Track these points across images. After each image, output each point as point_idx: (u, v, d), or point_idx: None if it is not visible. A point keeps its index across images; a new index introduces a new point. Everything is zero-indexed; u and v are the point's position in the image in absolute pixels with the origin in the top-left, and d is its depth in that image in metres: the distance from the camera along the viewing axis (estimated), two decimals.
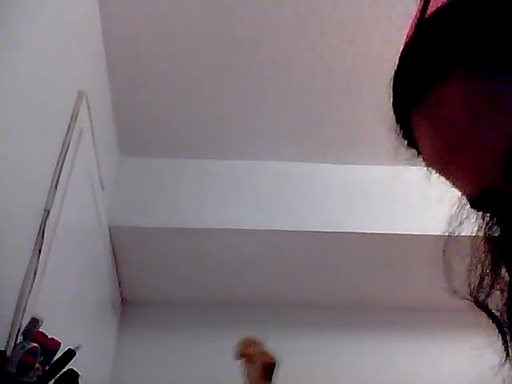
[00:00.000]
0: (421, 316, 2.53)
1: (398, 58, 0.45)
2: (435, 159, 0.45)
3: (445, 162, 0.43)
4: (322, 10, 1.90)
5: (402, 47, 0.45)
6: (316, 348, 2.50)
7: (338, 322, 2.56)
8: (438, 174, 0.46)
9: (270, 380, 1.55)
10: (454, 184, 0.44)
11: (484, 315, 0.49)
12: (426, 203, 2.26)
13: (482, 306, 0.49)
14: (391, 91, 0.47)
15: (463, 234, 0.50)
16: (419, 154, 0.47)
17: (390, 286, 2.50)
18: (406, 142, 0.48)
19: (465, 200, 0.46)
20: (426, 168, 0.47)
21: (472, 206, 0.44)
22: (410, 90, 0.44)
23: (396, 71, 0.46)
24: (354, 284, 2.50)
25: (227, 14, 1.92)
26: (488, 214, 0.47)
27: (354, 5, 1.88)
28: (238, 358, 1.58)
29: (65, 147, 1.55)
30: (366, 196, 2.34)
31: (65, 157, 1.53)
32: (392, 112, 0.48)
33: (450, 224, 0.50)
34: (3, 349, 1.17)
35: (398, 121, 0.48)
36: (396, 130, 0.49)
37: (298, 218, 2.27)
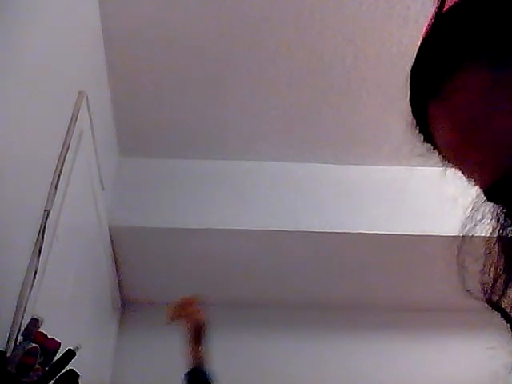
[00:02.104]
0: (421, 316, 2.53)
1: (415, 53, 0.46)
2: (452, 150, 0.45)
3: (461, 153, 0.44)
4: (322, 10, 1.90)
5: (420, 41, 0.46)
6: (316, 348, 2.50)
7: (338, 322, 2.56)
8: (453, 167, 0.46)
9: (200, 341, 1.53)
10: (469, 176, 0.45)
11: (497, 315, 0.49)
12: (425, 203, 2.27)
13: (496, 306, 0.49)
14: (409, 85, 0.48)
15: (477, 235, 0.50)
16: (434, 148, 0.48)
17: (391, 286, 2.50)
18: (422, 136, 0.49)
19: (479, 201, 0.47)
20: (441, 162, 0.48)
21: (488, 198, 0.45)
22: (427, 81, 0.45)
23: (414, 64, 0.47)
24: (355, 284, 2.50)
25: (227, 13, 1.92)
26: (503, 214, 0.47)
27: (354, 5, 1.88)
28: (169, 322, 1.57)
29: (65, 147, 1.55)
30: (366, 196, 2.34)
31: (65, 157, 1.53)
32: (409, 106, 0.49)
33: (464, 225, 0.50)
34: (3, 349, 1.17)
35: (414, 115, 0.49)
36: (412, 125, 0.49)
37: (297, 218, 2.27)
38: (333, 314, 2.55)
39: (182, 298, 1.61)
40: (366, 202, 2.32)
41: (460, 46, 0.42)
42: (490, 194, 0.44)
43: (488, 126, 0.40)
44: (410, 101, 0.48)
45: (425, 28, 0.46)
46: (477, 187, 0.45)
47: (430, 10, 0.46)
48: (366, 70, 2.07)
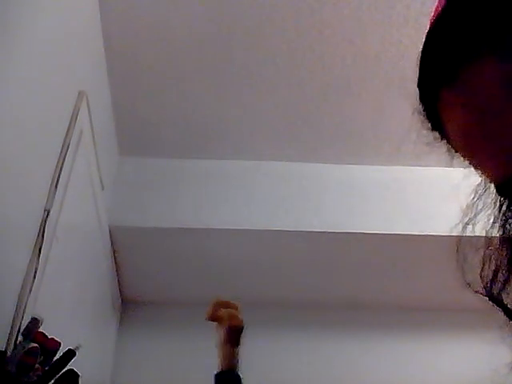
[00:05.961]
0: (421, 316, 2.53)
1: (425, 34, 0.42)
2: (464, 141, 0.42)
3: (475, 145, 0.41)
4: (322, 10, 1.90)
5: (432, 21, 0.42)
6: (316, 348, 2.49)
7: (338, 322, 2.56)
8: (461, 157, 0.44)
9: (237, 344, 1.52)
10: (480, 167, 0.42)
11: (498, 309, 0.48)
12: (425, 203, 2.27)
13: (496, 300, 0.47)
14: (419, 69, 0.44)
15: (477, 227, 0.48)
16: (443, 137, 0.45)
17: (390, 286, 2.50)
18: (429, 123, 0.46)
19: (482, 189, 0.45)
20: (448, 151, 0.45)
21: (499, 192, 0.42)
22: (442, 67, 0.41)
23: (426, 47, 0.43)
24: (354, 284, 2.50)
25: (227, 13, 1.92)
26: (506, 204, 0.44)
27: (354, 5, 1.88)
28: (208, 320, 1.56)
29: (65, 147, 1.55)
30: (365, 196, 2.34)
31: (65, 157, 1.53)
32: (418, 91, 0.45)
33: (465, 215, 0.48)
34: (3, 349, 1.17)
35: (423, 101, 0.45)
36: (420, 112, 0.46)
37: (297, 218, 2.27)
38: (333, 314, 2.55)
39: (217, 299, 1.60)
40: (366, 202, 2.32)
41: (480, 29, 0.38)
42: (501, 188, 0.41)
43: (504, 119, 0.37)
44: (419, 86, 0.45)
45: (439, 5, 0.42)
46: (485, 178, 0.43)
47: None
48: (366, 69, 2.07)
